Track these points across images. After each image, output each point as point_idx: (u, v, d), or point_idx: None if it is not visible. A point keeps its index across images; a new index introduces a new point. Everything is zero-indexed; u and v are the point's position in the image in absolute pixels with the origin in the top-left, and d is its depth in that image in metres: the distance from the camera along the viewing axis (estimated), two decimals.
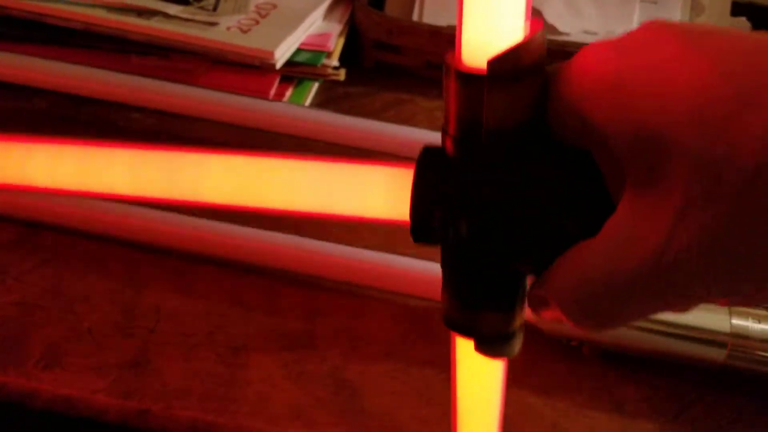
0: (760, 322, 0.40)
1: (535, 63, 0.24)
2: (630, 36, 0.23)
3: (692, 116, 0.20)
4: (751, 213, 0.20)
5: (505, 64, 0.23)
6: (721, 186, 0.20)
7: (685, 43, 0.21)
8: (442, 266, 0.28)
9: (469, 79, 0.24)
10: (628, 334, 0.41)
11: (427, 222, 0.26)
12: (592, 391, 0.42)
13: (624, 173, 0.23)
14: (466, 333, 0.28)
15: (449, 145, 0.26)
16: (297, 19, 0.61)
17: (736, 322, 0.40)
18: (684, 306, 0.23)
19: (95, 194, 0.30)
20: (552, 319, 0.26)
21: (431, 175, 0.26)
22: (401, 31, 0.62)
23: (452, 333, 0.30)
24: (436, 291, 0.45)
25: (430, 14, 0.64)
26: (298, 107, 0.57)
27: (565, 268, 0.24)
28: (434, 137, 0.52)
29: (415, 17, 0.64)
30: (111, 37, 0.59)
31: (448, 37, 0.60)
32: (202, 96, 0.54)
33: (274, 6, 0.63)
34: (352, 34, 0.65)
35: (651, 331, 0.41)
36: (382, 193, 0.28)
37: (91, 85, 0.55)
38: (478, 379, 0.32)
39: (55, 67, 0.55)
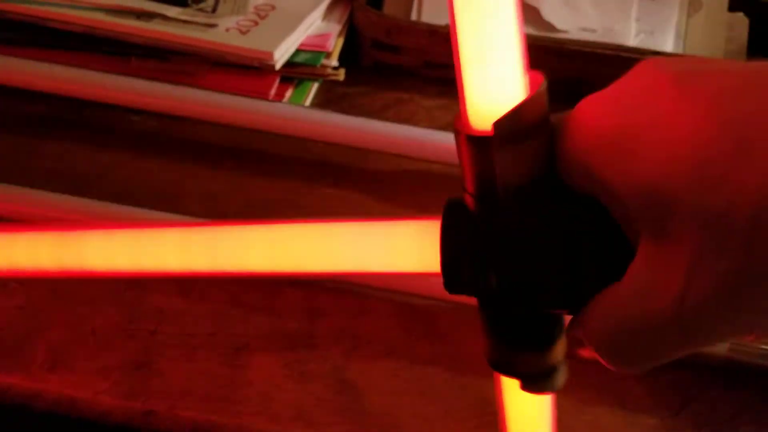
0: None
1: (540, 118, 0.25)
2: (625, 85, 0.24)
3: (693, 173, 0.21)
4: (764, 258, 0.20)
5: (510, 124, 0.24)
6: (728, 237, 0.20)
7: (679, 89, 0.22)
8: (480, 312, 0.29)
9: (478, 141, 0.25)
10: None
11: (458, 276, 0.27)
12: (595, 386, 0.42)
13: (636, 223, 0.23)
14: (510, 374, 0.29)
15: (469, 202, 0.27)
16: (296, 19, 0.61)
17: None
18: (713, 343, 0.24)
19: (149, 274, 0.32)
20: (591, 357, 0.27)
21: (456, 232, 0.27)
22: (400, 31, 0.62)
23: (496, 374, 0.31)
24: (437, 289, 0.45)
25: (429, 14, 0.64)
26: (298, 108, 0.57)
27: (596, 313, 0.25)
28: (433, 135, 0.52)
29: (413, 17, 0.64)
30: (110, 40, 0.59)
31: (447, 36, 0.60)
32: (201, 98, 0.54)
33: (273, 7, 0.63)
34: (351, 34, 0.65)
35: None
36: (413, 247, 0.29)
37: (91, 89, 0.55)
38: (528, 416, 0.33)
39: (55, 71, 0.55)
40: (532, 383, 0.29)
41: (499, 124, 0.24)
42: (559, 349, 0.29)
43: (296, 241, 0.30)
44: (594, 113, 0.24)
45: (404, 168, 0.54)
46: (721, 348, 0.40)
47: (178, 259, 0.31)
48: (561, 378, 0.29)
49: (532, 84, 0.25)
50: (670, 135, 0.21)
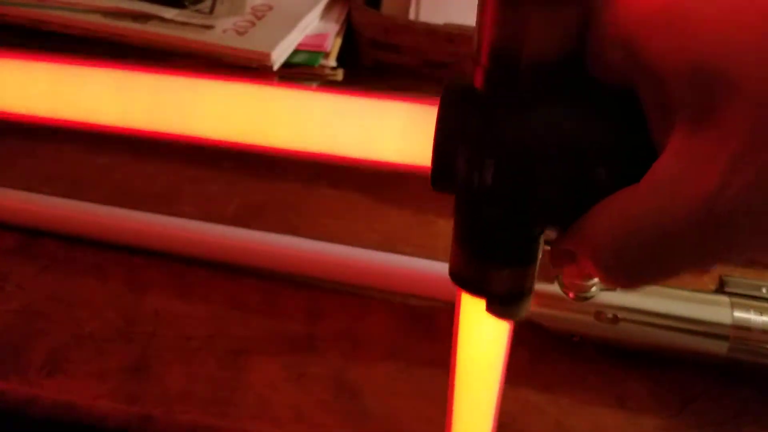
0: (761, 314, 0.40)
1: None
2: None
3: (760, 51, 0.19)
4: None
5: None
6: None
7: None
8: (456, 217, 0.26)
9: (511, 1, 0.22)
10: (629, 329, 0.41)
11: (451, 163, 0.24)
12: (596, 387, 0.42)
13: (673, 112, 0.21)
14: (477, 290, 0.26)
15: (479, 77, 0.24)
16: (293, 20, 0.61)
17: (738, 314, 0.40)
18: (733, 258, 0.21)
19: (73, 122, 0.26)
20: (575, 275, 0.25)
21: (458, 111, 0.24)
22: (398, 30, 0.62)
23: (458, 291, 0.28)
24: (437, 289, 0.45)
25: (427, 13, 0.63)
26: None
27: (603, 218, 0.22)
28: None
29: (411, 16, 0.64)
30: (108, 43, 0.59)
31: (445, 36, 0.60)
32: None
33: (270, 7, 0.63)
34: (349, 34, 0.65)
35: (652, 325, 0.41)
36: (397, 132, 0.25)
37: None
38: (483, 344, 0.30)
39: None
40: (499, 305, 0.26)
41: None
42: (533, 273, 0.26)
43: (259, 104, 0.25)
44: None
45: None
46: (721, 347, 0.40)
47: (112, 106, 0.25)
48: (526, 306, 0.27)
49: None
50: (739, 9, 0.19)
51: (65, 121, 0.27)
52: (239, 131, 0.26)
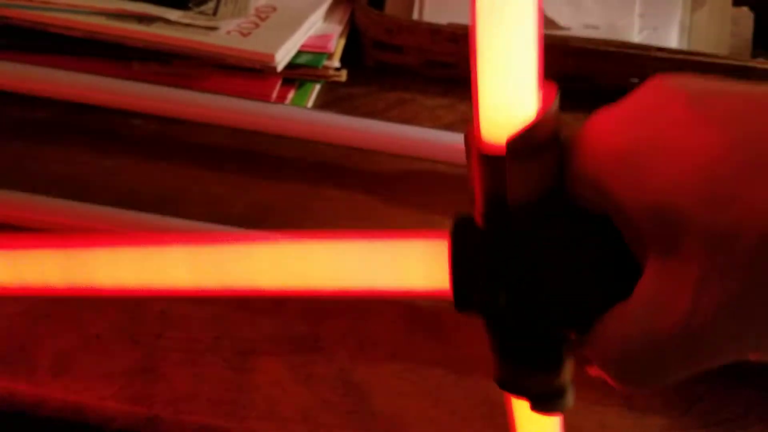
0: None
1: (552, 133, 0.25)
2: (635, 103, 0.24)
3: (703, 191, 0.21)
4: (766, 278, 0.20)
5: (522, 142, 0.24)
6: (736, 256, 0.21)
7: (691, 109, 0.22)
8: (487, 332, 0.29)
9: (491, 159, 0.25)
10: None
11: (468, 294, 0.27)
12: (602, 387, 0.41)
13: (644, 242, 0.23)
14: (520, 394, 0.29)
15: (478, 217, 0.27)
16: (297, 21, 0.61)
17: None
18: (719, 363, 0.24)
19: (157, 292, 0.32)
20: (598, 376, 0.27)
21: (466, 250, 0.27)
22: (401, 31, 0.62)
23: (506, 394, 0.31)
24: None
25: (430, 13, 0.63)
26: (301, 109, 0.57)
27: (603, 332, 0.25)
28: (436, 135, 0.52)
29: (415, 16, 0.64)
30: (112, 44, 0.59)
31: (449, 35, 0.60)
32: (204, 101, 0.54)
33: (274, 9, 0.63)
34: (353, 35, 0.65)
35: None
36: (421, 266, 0.29)
37: (93, 93, 0.55)
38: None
39: (57, 76, 0.55)
40: (542, 404, 0.29)
41: (512, 142, 0.24)
42: (568, 370, 0.29)
43: (303, 258, 0.31)
44: (604, 131, 0.24)
45: (408, 168, 0.54)
46: None
47: (187, 277, 0.31)
48: (570, 398, 0.29)
49: (545, 98, 0.25)
50: (682, 154, 0.22)
51: (151, 291, 0.32)
52: (289, 282, 0.31)
